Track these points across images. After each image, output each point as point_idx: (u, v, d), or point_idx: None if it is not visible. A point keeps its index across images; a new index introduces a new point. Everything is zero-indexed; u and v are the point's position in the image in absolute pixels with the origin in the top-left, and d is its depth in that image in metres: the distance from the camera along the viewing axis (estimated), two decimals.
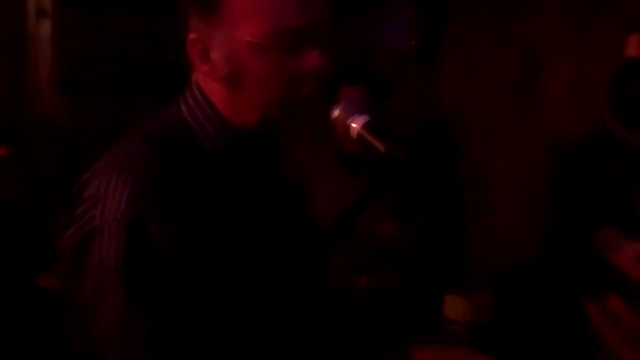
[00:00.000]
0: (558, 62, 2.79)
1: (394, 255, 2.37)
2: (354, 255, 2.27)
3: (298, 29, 1.09)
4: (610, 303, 1.36)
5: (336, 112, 1.22)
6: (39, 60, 3.13)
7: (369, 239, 2.27)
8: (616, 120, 1.93)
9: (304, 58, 1.11)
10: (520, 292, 2.23)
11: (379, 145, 1.16)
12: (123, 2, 3.12)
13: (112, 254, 1.04)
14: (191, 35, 1.13)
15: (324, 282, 1.60)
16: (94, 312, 1.06)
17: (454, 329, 2.07)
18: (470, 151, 3.18)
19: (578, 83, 2.71)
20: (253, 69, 1.11)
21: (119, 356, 1.06)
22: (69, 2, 3.10)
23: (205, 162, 1.15)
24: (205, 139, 1.16)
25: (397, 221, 2.33)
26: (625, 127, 1.91)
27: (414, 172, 1.17)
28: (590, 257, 1.77)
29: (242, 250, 1.14)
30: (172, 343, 1.06)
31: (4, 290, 2.56)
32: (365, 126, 1.19)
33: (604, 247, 1.75)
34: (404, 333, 2.25)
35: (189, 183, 1.10)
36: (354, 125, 1.20)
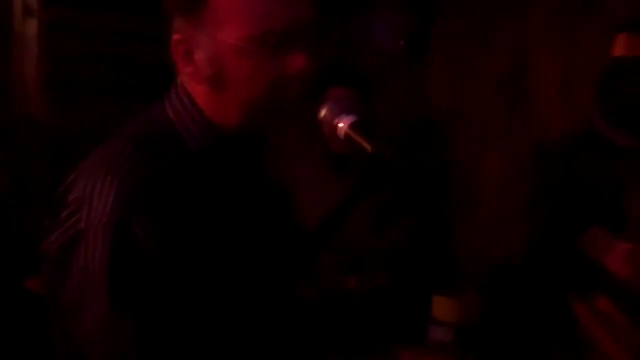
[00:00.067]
0: (546, 62, 2.79)
1: (382, 256, 2.37)
2: (343, 256, 2.27)
3: (282, 32, 1.08)
4: (599, 303, 1.36)
5: (323, 112, 1.22)
6: (25, 59, 3.11)
7: (356, 240, 2.27)
8: (603, 120, 1.93)
9: (289, 60, 1.10)
10: (508, 292, 2.23)
11: (366, 145, 1.15)
12: (110, 2, 3.11)
13: (97, 258, 1.03)
14: (175, 36, 1.12)
15: (312, 283, 1.59)
16: (78, 315, 1.05)
17: (441, 329, 2.08)
18: (458, 151, 3.19)
19: (566, 83, 2.72)
20: (236, 72, 1.10)
21: (104, 358, 1.05)
22: (55, 1, 3.08)
23: (190, 163, 1.14)
24: (190, 140, 1.15)
25: (379, 231, 2.33)
26: (613, 126, 1.92)
27: (401, 172, 1.17)
28: (578, 257, 1.77)
29: (228, 252, 1.13)
30: (157, 345, 1.05)
31: None
32: (352, 126, 1.18)
33: (592, 247, 1.75)
34: (392, 334, 2.25)
35: (174, 185, 1.09)
36: (340, 125, 1.19)
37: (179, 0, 1.12)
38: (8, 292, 2.54)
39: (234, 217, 1.16)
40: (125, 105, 2.97)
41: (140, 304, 1.04)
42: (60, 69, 3.10)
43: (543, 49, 2.82)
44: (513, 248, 2.64)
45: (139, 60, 3.13)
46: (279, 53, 1.09)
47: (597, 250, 1.73)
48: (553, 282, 1.84)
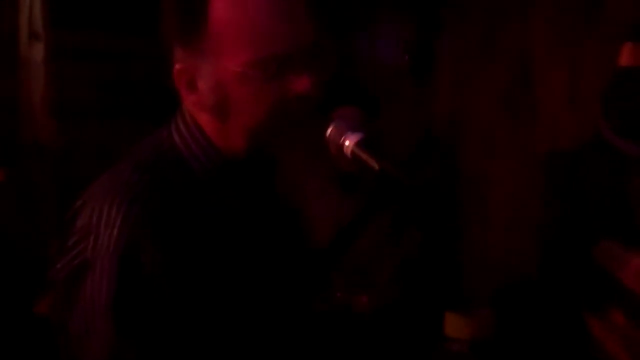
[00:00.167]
0: (552, 72, 2.78)
1: (393, 273, 2.35)
2: (353, 274, 2.26)
3: (284, 56, 1.08)
4: (614, 318, 1.34)
5: (329, 131, 1.21)
6: (31, 83, 3.12)
7: (366, 257, 2.26)
8: (612, 130, 1.92)
9: (292, 83, 1.10)
10: (521, 306, 2.22)
11: (373, 163, 1.15)
12: (116, 25, 3.13)
13: (103, 288, 1.03)
14: (177, 67, 1.12)
15: (324, 302, 1.58)
16: (85, 344, 1.05)
17: (455, 347, 2.06)
18: (465, 164, 3.17)
19: (572, 93, 2.71)
20: (240, 98, 1.10)
21: None
22: (61, 25, 3.10)
23: (198, 189, 1.14)
24: (196, 166, 1.15)
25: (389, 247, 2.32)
26: (621, 136, 1.90)
27: (409, 189, 1.16)
28: (591, 270, 1.75)
29: (238, 278, 1.13)
30: None
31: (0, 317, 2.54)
32: (358, 144, 1.18)
33: (605, 260, 1.73)
34: (405, 352, 2.23)
35: (181, 212, 1.09)
36: (347, 143, 1.19)
37: (178, 31, 1.12)
38: (17, 315, 2.54)
39: (244, 242, 1.16)
40: (131, 128, 2.98)
41: (146, 334, 1.03)
42: (66, 92, 3.11)
43: (548, 59, 2.81)
44: (524, 261, 2.62)
45: (145, 83, 3.14)
46: (282, 76, 1.09)
47: (609, 263, 1.71)
48: (566, 296, 1.82)
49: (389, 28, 3.38)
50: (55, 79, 3.11)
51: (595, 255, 1.77)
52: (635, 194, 1.85)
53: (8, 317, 2.55)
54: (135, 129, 3.01)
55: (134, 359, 1.03)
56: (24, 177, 3.06)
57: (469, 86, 3.17)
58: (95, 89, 3.15)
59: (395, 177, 1.14)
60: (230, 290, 1.11)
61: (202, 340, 1.08)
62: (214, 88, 1.10)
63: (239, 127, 1.13)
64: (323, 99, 1.15)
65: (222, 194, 1.15)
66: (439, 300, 2.34)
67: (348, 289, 2.27)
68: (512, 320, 2.17)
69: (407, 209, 2.29)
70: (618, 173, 1.90)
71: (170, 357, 1.04)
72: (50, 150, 3.10)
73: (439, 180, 3.11)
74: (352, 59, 3.23)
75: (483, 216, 3.07)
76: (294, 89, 1.09)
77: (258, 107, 1.10)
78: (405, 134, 3.28)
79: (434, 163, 3.18)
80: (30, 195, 3.08)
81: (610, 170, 1.92)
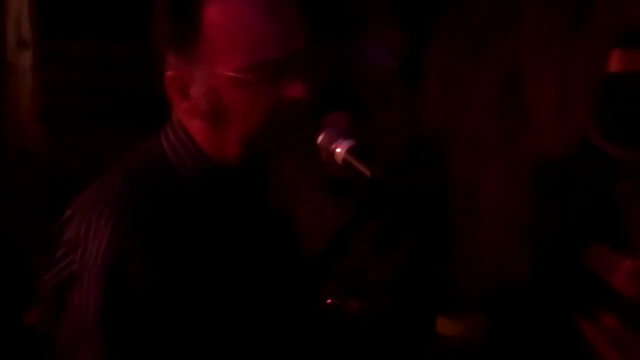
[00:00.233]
0: (541, 78, 2.80)
1: (384, 279, 2.35)
2: (345, 280, 2.25)
3: (279, 61, 1.07)
4: (605, 321, 1.34)
5: (320, 138, 1.21)
6: (19, 90, 3.11)
7: (358, 264, 2.25)
8: (602, 136, 1.93)
9: (287, 89, 1.08)
10: (513, 311, 2.22)
11: (364, 170, 1.14)
12: (104, 32, 3.12)
13: (90, 303, 1.02)
14: (169, 73, 1.11)
15: (315, 308, 1.58)
16: (73, 356, 1.04)
17: (448, 345, 2.06)
18: (456, 170, 3.18)
19: (561, 99, 2.72)
20: (234, 104, 1.09)
21: None
22: (49, 33, 3.09)
23: (188, 199, 1.12)
24: (187, 175, 1.14)
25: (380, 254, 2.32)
26: (610, 141, 1.91)
27: (401, 196, 1.16)
28: (581, 274, 1.76)
29: (229, 288, 1.12)
30: None
31: None
32: (349, 151, 1.17)
33: (596, 265, 1.74)
34: (397, 357, 2.23)
35: (170, 224, 1.08)
36: (338, 150, 1.18)
37: (170, 37, 1.10)
38: (5, 324, 2.52)
39: (236, 252, 1.15)
40: (120, 134, 2.97)
41: (134, 347, 1.02)
42: (54, 99, 3.10)
43: (537, 66, 2.82)
44: (515, 265, 2.62)
45: (133, 90, 3.13)
46: (277, 82, 1.08)
47: (600, 267, 1.71)
48: (558, 300, 1.83)
49: (379, 34, 3.39)
50: (43, 86, 3.10)
51: (585, 258, 1.77)
52: (623, 198, 1.85)
53: None
54: (123, 135, 3.01)
55: None
56: (12, 184, 3.04)
57: (458, 92, 3.18)
58: (83, 96, 3.14)
59: (387, 184, 1.14)
60: (221, 301, 1.10)
61: (191, 352, 1.07)
62: (207, 94, 1.09)
63: (232, 133, 1.11)
64: (315, 106, 1.15)
65: (213, 203, 1.14)
66: (431, 305, 2.34)
67: (338, 295, 2.27)
68: (504, 324, 2.17)
69: (398, 215, 2.29)
70: (607, 177, 1.91)
71: None
72: (38, 156, 3.09)
73: (430, 186, 3.12)
74: (342, 66, 3.23)
75: (473, 221, 3.07)
76: (289, 94, 1.08)
77: (252, 113, 1.09)
78: (395, 140, 3.28)
79: (424, 169, 3.19)
80: (20, 203, 3.06)
81: (599, 175, 1.93)
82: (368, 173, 1.14)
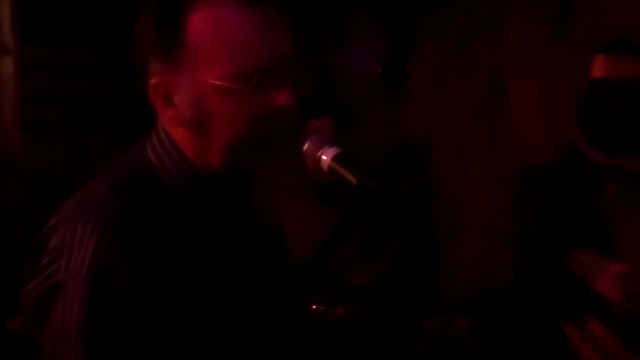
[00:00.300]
0: (524, 85, 2.81)
1: (369, 285, 2.35)
2: (330, 286, 2.25)
3: (265, 69, 1.06)
4: (591, 327, 1.35)
5: (305, 146, 1.21)
6: (1, 97, 3.09)
7: (343, 270, 2.25)
8: (584, 140, 1.94)
9: (273, 97, 1.07)
10: (497, 315, 2.22)
11: (350, 178, 1.14)
12: (86, 39, 3.11)
13: (74, 313, 1.01)
14: (153, 81, 1.09)
15: (301, 315, 1.57)
16: None
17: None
18: (440, 176, 3.19)
19: (545, 105, 2.74)
20: (219, 112, 1.08)
21: None
22: (31, 39, 3.07)
23: (174, 208, 1.11)
24: (172, 184, 1.13)
25: (366, 260, 2.31)
26: (594, 146, 1.92)
27: (386, 202, 1.16)
28: (566, 280, 1.76)
29: (215, 297, 1.11)
30: None
31: None
32: (335, 159, 1.17)
33: (580, 269, 1.74)
34: None
35: (156, 233, 1.07)
36: (324, 158, 1.18)
37: (154, 44, 1.09)
38: None
39: (221, 261, 1.14)
40: (102, 142, 2.96)
41: (117, 358, 1.01)
42: (36, 106, 3.09)
43: (520, 72, 2.84)
44: (500, 270, 2.63)
45: (116, 97, 3.12)
46: (262, 90, 1.06)
47: (585, 272, 1.72)
48: (543, 305, 1.83)
49: (362, 40, 3.40)
50: (25, 93, 3.08)
51: (570, 264, 1.78)
52: (608, 204, 1.86)
53: None
54: (105, 143, 3.00)
55: None
56: None
57: (442, 99, 3.19)
58: (65, 103, 3.13)
59: (373, 191, 1.14)
60: (207, 310, 1.09)
61: (178, 357, 1.06)
62: (192, 102, 1.08)
63: (218, 141, 1.10)
64: (300, 112, 1.14)
65: (198, 211, 1.13)
66: (416, 311, 2.34)
67: (324, 301, 2.26)
68: (489, 329, 2.17)
69: (383, 221, 2.29)
70: (591, 183, 1.91)
71: None
72: (20, 163, 3.07)
73: (414, 192, 3.12)
74: (327, 72, 3.23)
75: (458, 227, 3.08)
76: (275, 102, 1.07)
77: (238, 121, 1.08)
78: (379, 146, 3.28)
79: (409, 175, 3.19)
80: (2, 210, 3.03)
81: (583, 180, 1.93)
82: (354, 180, 1.14)
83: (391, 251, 2.41)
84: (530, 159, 2.65)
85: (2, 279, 2.63)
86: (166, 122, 1.14)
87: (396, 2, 3.30)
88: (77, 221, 1.05)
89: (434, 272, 3.03)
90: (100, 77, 3.16)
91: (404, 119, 3.35)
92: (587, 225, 1.86)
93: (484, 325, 2.19)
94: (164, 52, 1.08)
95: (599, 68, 1.89)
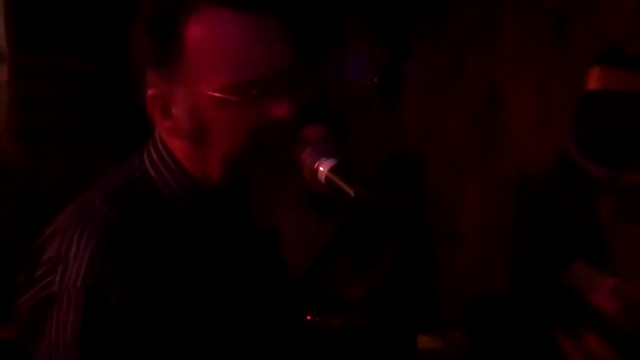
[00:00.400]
0: (519, 96, 2.82)
1: (365, 296, 2.34)
2: (326, 297, 2.24)
3: (263, 80, 1.05)
4: (587, 340, 1.34)
5: (302, 156, 1.20)
6: None
7: (339, 280, 2.24)
8: (580, 152, 1.94)
9: (271, 109, 1.07)
10: (493, 327, 2.22)
11: (347, 189, 1.14)
12: (81, 46, 3.10)
13: (68, 325, 1.00)
14: (150, 92, 1.08)
15: (298, 326, 1.56)
16: None
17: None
18: (435, 187, 3.19)
19: (540, 116, 2.74)
20: (218, 124, 1.07)
21: None
22: (26, 47, 3.07)
23: (171, 219, 1.10)
24: (170, 195, 1.12)
25: (362, 271, 2.31)
26: (589, 159, 1.92)
27: (383, 214, 1.16)
28: (563, 292, 1.76)
29: (212, 308, 1.10)
30: None
31: None
32: (332, 170, 1.17)
33: (576, 282, 1.74)
34: None
35: (152, 245, 1.06)
36: (321, 169, 1.18)
37: (151, 54, 1.07)
38: None
39: (219, 272, 1.13)
40: (96, 149, 2.95)
41: None
42: (31, 113, 3.08)
43: (515, 83, 2.84)
44: (495, 281, 2.63)
45: (110, 105, 3.11)
46: (261, 101, 1.06)
47: (582, 285, 1.71)
48: (538, 318, 1.83)
49: (358, 51, 3.40)
50: (19, 99, 3.08)
51: (566, 277, 1.77)
52: (604, 216, 1.86)
53: None
54: (99, 150, 2.99)
55: None
56: None
57: (437, 109, 3.19)
58: (59, 110, 3.12)
59: (370, 203, 1.13)
60: (203, 323, 1.08)
61: None
62: (190, 113, 1.07)
63: (215, 153, 1.09)
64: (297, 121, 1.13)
65: (196, 224, 1.12)
66: (412, 322, 2.33)
67: (318, 311, 2.25)
68: (484, 341, 2.17)
69: (380, 232, 2.28)
70: (586, 195, 1.91)
71: None
72: (13, 170, 3.06)
73: (410, 202, 3.12)
74: (322, 81, 3.23)
75: (453, 237, 3.08)
76: (273, 114, 1.07)
77: (236, 133, 1.07)
78: (374, 156, 3.28)
79: (404, 185, 3.19)
80: None
81: (579, 193, 1.93)
82: (351, 192, 1.13)
83: (387, 262, 2.40)
84: (526, 168, 2.65)
85: None
86: (164, 133, 1.13)
87: (392, 12, 3.31)
88: (72, 232, 1.04)
89: (431, 284, 3.03)
90: (94, 83, 3.15)
91: (399, 129, 3.35)
92: (583, 238, 1.86)
93: (479, 337, 2.18)
94: (160, 62, 1.07)
95: (594, 80, 1.89)
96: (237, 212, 1.20)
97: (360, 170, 1.27)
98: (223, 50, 1.05)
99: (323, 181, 1.18)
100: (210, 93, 1.05)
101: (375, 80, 3.33)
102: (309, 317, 2.20)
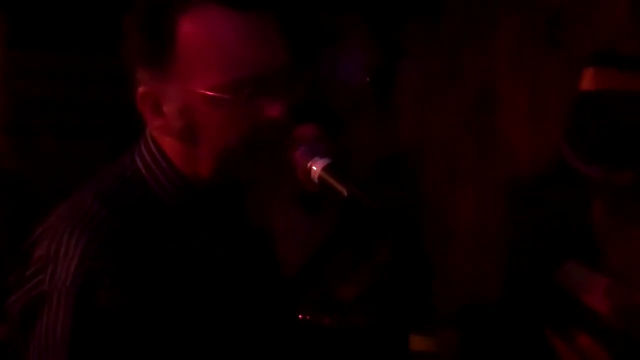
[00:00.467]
0: (513, 97, 2.82)
1: (358, 296, 2.34)
2: (319, 296, 2.24)
3: (257, 79, 1.04)
4: (580, 340, 1.34)
5: (296, 155, 1.20)
6: None
7: (332, 280, 2.24)
8: (574, 154, 1.94)
9: (265, 108, 1.06)
10: (486, 328, 2.22)
11: (341, 189, 1.14)
12: (72, 45, 3.09)
13: (59, 324, 1.00)
14: (141, 89, 1.08)
15: (291, 325, 1.56)
16: None
17: None
18: (429, 187, 3.19)
19: (534, 117, 2.74)
20: (210, 123, 1.06)
21: None
22: (17, 45, 3.06)
23: (162, 218, 1.10)
24: (161, 194, 1.11)
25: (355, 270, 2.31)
26: (583, 160, 1.92)
27: (377, 213, 1.15)
28: (556, 293, 1.76)
29: (204, 306, 1.10)
30: None
31: None
32: (325, 169, 1.16)
33: (569, 283, 1.74)
34: None
35: (143, 244, 1.05)
36: (314, 168, 1.17)
37: (143, 53, 1.07)
38: None
39: (211, 271, 1.13)
40: (88, 148, 2.94)
41: None
42: (22, 112, 3.07)
43: (509, 84, 2.85)
44: (488, 282, 2.63)
45: (102, 104, 3.11)
46: (254, 101, 1.05)
47: (575, 285, 1.71)
48: (531, 318, 1.83)
49: (352, 49, 3.40)
50: (10, 98, 3.07)
51: (559, 277, 1.77)
52: (597, 217, 1.86)
53: None
54: (91, 149, 2.99)
55: None
56: None
57: (430, 110, 3.19)
58: (51, 109, 3.11)
59: (363, 203, 1.13)
60: (194, 322, 1.08)
61: None
62: (181, 112, 1.06)
63: (207, 152, 1.08)
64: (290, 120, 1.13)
65: (188, 223, 1.11)
66: (405, 322, 2.33)
67: (311, 311, 2.25)
68: (477, 342, 2.17)
69: (374, 232, 2.28)
70: (580, 196, 1.91)
71: None
72: (4, 169, 3.05)
73: (403, 203, 3.12)
74: (315, 80, 3.23)
75: (446, 238, 3.08)
76: (267, 113, 1.06)
77: (229, 132, 1.06)
78: (367, 156, 3.28)
79: (397, 184, 3.19)
80: None
81: (573, 194, 1.93)
82: (345, 192, 1.13)
83: (380, 262, 2.40)
84: (519, 171, 2.65)
85: None
86: (155, 132, 1.12)
87: (386, 12, 3.31)
88: (63, 231, 1.04)
89: (424, 284, 3.03)
90: (87, 83, 3.15)
91: (392, 130, 3.35)
92: (577, 238, 1.86)
93: (473, 337, 2.18)
94: (152, 60, 1.06)
95: (588, 81, 1.89)
96: (229, 211, 1.19)
97: (354, 170, 1.27)
98: (216, 48, 1.04)
99: (316, 181, 1.18)
100: (202, 92, 1.04)
101: (369, 80, 3.33)
102: (302, 317, 2.20)
